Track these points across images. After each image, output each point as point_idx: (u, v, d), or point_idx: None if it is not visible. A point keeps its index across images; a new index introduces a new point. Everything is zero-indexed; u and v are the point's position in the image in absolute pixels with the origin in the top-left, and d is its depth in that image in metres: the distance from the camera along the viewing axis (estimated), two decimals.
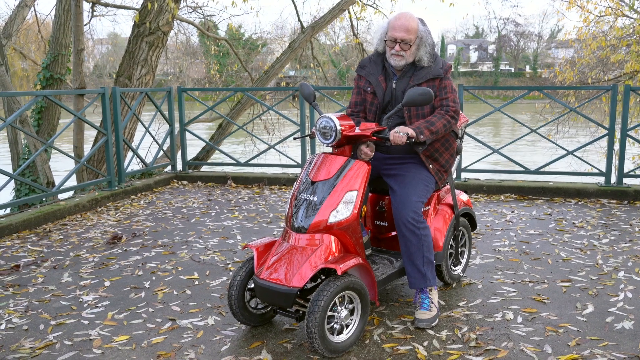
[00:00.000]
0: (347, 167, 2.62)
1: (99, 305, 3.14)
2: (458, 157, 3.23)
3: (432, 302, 2.84)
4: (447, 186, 3.30)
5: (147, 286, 3.43)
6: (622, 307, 3.01)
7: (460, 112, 3.06)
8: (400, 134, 2.66)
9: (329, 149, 2.78)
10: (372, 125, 2.72)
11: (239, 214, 5.24)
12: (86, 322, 2.92)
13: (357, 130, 2.69)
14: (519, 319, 2.88)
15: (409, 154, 2.96)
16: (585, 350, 2.54)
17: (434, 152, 2.95)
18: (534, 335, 2.70)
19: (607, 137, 5.77)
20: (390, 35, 2.86)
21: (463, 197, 3.38)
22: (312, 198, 2.59)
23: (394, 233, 3.06)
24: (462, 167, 6.12)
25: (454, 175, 3.98)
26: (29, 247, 4.25)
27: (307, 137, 6.56)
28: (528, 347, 2.57)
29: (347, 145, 2.72)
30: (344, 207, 2.55)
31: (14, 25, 10.27)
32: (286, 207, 2.72)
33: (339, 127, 2.61)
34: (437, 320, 2.82)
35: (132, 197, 6.00)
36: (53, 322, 2.92)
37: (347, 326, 2.56)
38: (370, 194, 3.15)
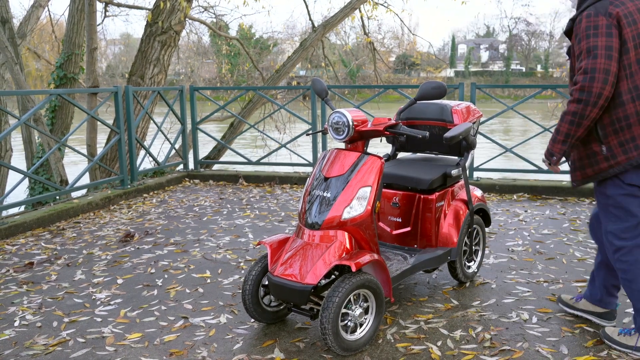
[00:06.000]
0: (361, 162, 2.60)
1: (112, 302, 3.15)
2: (471, 155, 3.19)
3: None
4: (461, 182, 3.27)
5: (160, 284, 3.43)
6: None
7: (473, 106, 2.78)
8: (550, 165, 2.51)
9: (342, 145, 2.76)
10: (385, 120, 2.70)
11: (251, 212, 5.24)
12: (99, 319, 2.93)
13: (369, 125, 2.67)
14: (534, 319, 2.84)
15: None
16: (602, 352, 2.50)
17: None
18: (549, 335, 2.67)
19: None
20: None
21: (477, 192, 3.35)
22: (325, 194, 2.57)
23: (407, 229, 3.04)
24: (475, 166, 6.07)
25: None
26: (43, 244, 4.27)
27: (319, 135, 6.60)
28: (544, 348, 2.54)
29: (360, 140, 2.70)
30: (358, 203, 2.53)
31: (28, 25, 10.35)
32: (299, 203, 2.71)
33: (351, 122, 2.59)
34: (623, 349, 2.48)
35: (145, 195, 6.02)
36: (66, 319, 2.93)
37: (360, 325, 2.54)
38: (384, 190, 3.13)
